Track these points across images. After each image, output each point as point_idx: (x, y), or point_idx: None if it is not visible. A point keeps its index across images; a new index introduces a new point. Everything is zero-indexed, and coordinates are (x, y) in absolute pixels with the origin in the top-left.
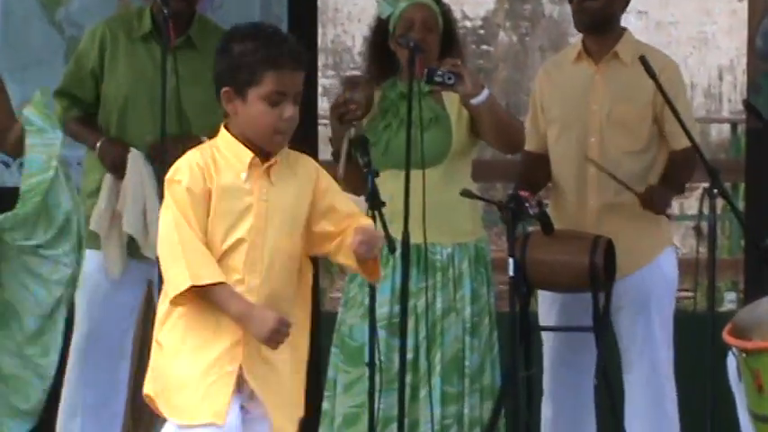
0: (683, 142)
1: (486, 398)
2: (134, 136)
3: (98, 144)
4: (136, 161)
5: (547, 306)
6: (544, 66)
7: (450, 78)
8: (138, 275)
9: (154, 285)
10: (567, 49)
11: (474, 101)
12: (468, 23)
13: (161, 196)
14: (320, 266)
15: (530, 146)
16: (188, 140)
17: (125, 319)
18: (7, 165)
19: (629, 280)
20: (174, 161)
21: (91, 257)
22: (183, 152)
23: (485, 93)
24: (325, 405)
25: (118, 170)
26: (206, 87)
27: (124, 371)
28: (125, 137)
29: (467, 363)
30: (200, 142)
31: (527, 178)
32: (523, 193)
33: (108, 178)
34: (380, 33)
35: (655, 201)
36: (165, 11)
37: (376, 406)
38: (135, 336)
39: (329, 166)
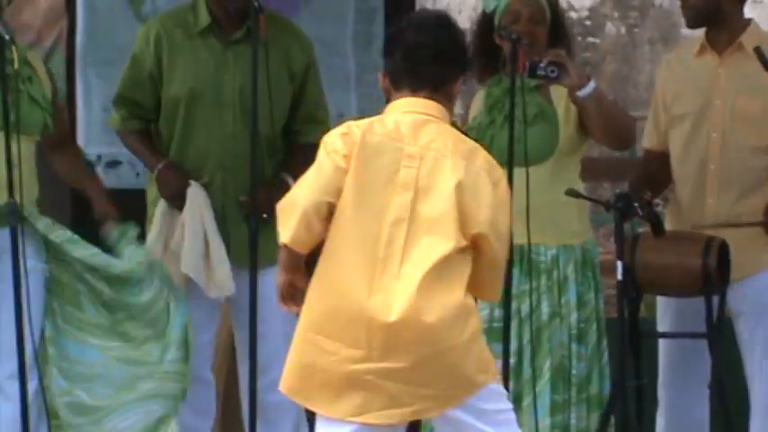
0: None
1: (593, 408)
2: (200, 138)
3: (157, 168)
4: (196, 196)
5: (662, 311)
6: (666, 59)
7: (553, 71)
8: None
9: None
10: (691, 41)
11: (580, 93)
12: (573, 14)
13: None
14: None
15: (650, 143)
16: (278, 188)
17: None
18: (92, 165)
19: (750, 282)
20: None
21: None
22: (276, 201)
23: (591, 85)
24: None
25: (176, 201)
26: (271, 81)
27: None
28: (189, 141)
29: (573, 371)
30: (288, 187)
31: (647, 178)
32: (645, 195)
33: (163, 204)
34: (485, 27)
35: None
36: (256, 3)
37: None
38: (217, 366)
39: None
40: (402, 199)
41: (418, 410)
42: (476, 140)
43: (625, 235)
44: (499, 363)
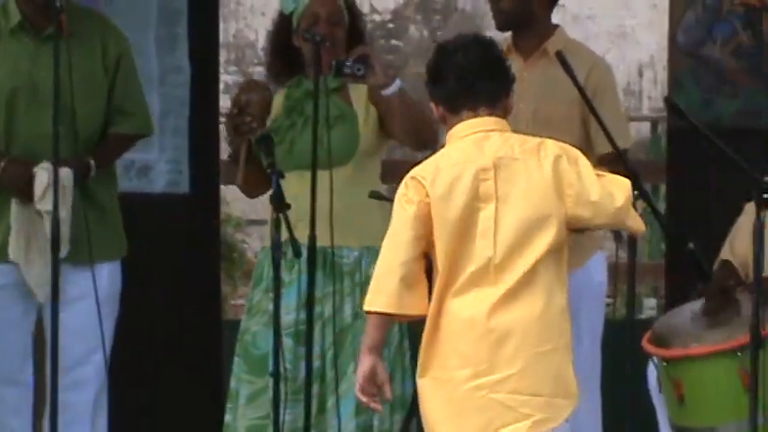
0: (608, 147)
1: (396, 409)
2: (22, 136)
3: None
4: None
5: None
6: None
7: (359, 69)
8: None
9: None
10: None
11: (385, 92)
12: (376, 17)
13: None
14: (222, 273)
15: None
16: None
17: None
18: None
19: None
20: None
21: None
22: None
23: (396, 83)
24: (228, 417)
25: (25, 194)
26: (85, 75)
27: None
28: (13, 140)
29: None
30: (89, 168)
31: None
32: None
33: (14, 204)
34: (283, 29)
35: None
36: (58, 2)
37: (281, 418)
38: None
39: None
40: (486, 212)
41: (538, 421)
42: (274, 141)
43: None
44: (303, 365)
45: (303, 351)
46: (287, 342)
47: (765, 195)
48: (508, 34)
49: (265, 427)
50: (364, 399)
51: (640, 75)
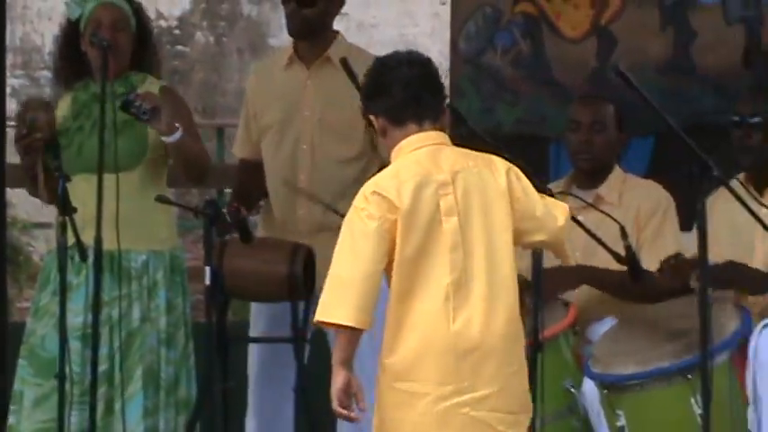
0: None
1: (181, 411)
2: None
3: None
4: None
5: (255, 316)
6: (255, 68)
7: (145, 113)
8: None
9: None
10: (279, 52)
11: (167, 139)
12: (162, 23)
13: None
14: (7, 275)
15: (243, 153)
16: None
17: None
18: None
19: None
20: None
21: None
22: None
23: (177, 134)
24: (11, 419)
25: None
26: None
27: None
28: None
29: (162, 375)
30: None
31: (241, 188)
32: (234, 206)
33: None
34: (71, 34)
35: None
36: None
37: (67, 420)
38: None
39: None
40: (450, 225)
41: None
42: (60, 145)
43: (213, 242)
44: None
45: (91, 354)
46: (75, 345)
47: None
48: (289, 43)
49: (51, 430)
50: (342, 411)
51: None
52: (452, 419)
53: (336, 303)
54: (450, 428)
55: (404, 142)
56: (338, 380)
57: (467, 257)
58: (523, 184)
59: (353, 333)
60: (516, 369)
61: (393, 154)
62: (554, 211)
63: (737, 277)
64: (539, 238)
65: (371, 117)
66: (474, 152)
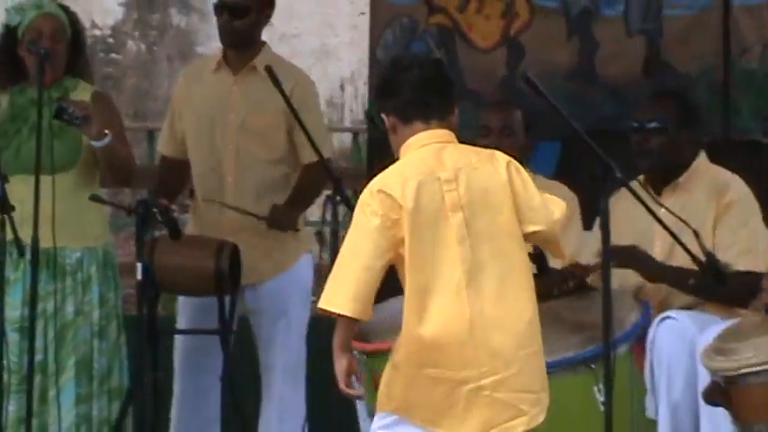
0: (313, 156)
1: (114, 399)
2: None
3: None
4: None
5: (181, 309)
6: (184, 73)
7: (77, 119)
8: None
9: None
10: (208, 58)
11: (96, 143)
12: (97, 32)
13: None
14: None
15: (166, 151)
16: None
17: None
18: None
19: (270, 286)
20: None
21: None
22: None
23: (106, 139)
24: None
25: None
26: None
27: None
28: None
29: (95, 365)
30: None
31: (165, 184)
32: (162, 202)
33: None
34: (9, 40)
35: (281, 221)
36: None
37: (5, 409)
38: None
39: None
40: (456, 220)
41: (534, 416)
42: None
43: (145, 238)
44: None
45: (26, 345)
46: (13, 336)
47: None
48: (217, 51)
49: None
50: (349, 391)
51: (342, 89)
52: (475, 402)
53: (336, 293)
54: (473, 410)
55: (411, 140)
56: (341, 363)
57: (474, 249)
58: (523, 176)
59: (350, 321)
60: (535, 350)
61: (402, 151)
62: (551, 206)
63: (637, 256)
64: (536, 228)
65: (383, 115)
66: (477, 148)
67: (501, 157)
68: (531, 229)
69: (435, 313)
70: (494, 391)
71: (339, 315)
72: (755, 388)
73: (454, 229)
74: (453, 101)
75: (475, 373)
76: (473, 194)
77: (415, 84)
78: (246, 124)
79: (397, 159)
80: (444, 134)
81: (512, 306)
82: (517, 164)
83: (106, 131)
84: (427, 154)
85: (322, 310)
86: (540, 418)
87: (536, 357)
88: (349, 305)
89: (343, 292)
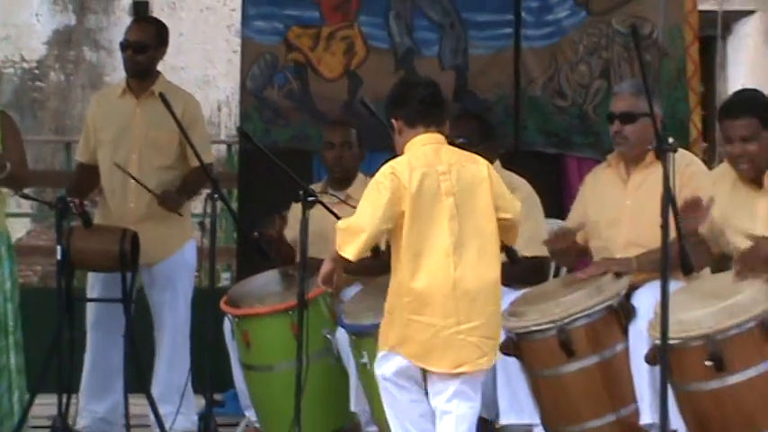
0: (197, 162)
1: (19, 351)
2: None
3: None
4: None
5: (91, 282)
6: (95, 97)
7: None
8: None
9: None
10: (114, 85)
11: None
12: (25, 65)
13: None
14: None
15: (82, 158)
16: None
17: None
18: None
19: (162, 265)
20: None
21: None
22: None
23: (6, 171)
24: None
25: None
26: None
27: None
28: None
29: (10, 323)
30: None
31: (78, 185)
32: (71, 199)
33: None
34: None
35: (168, 201)
36: None
37: None
38: None
39: None
40: (448, 202)
41: (491, 358)
42: None
43: (63, 227)
44: None
45: None
46: None
47: (310, 198)
48: (122, 80)
49: None
50: (323, 286)
51: (219, 110)
52: (452, 343)
53: (348, 244)
54: (451, 349)
55: (415, 139)
56: (326, 266)
57: (461, 226)
58: (496, 176)
59: (347, 260)
60: (496, 308)
61: (406, 148)
62: (515, 201)
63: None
64: (506, 215)
65: (392, 119)
66: (462, 151)
67: (481, 161)
68: (503, 215)
69: (426, 272)
70: (467, 335)
71: (347, 260)
72: (539, 342)
73: (446, 209)
74: (447, 114)
75: (453, 320)
76: (462, 184)
77: (421, 98)
78: (147, 138)
79: (392, 157)
80: (439, 138)
81: (485, 272)
82: (491, 166)
83: (7, 164)
84: (428, 151)
85: (337, 253)
86: (495, 360)
87: (496, 313)
88: (356, 254)
89: (355, 244)
